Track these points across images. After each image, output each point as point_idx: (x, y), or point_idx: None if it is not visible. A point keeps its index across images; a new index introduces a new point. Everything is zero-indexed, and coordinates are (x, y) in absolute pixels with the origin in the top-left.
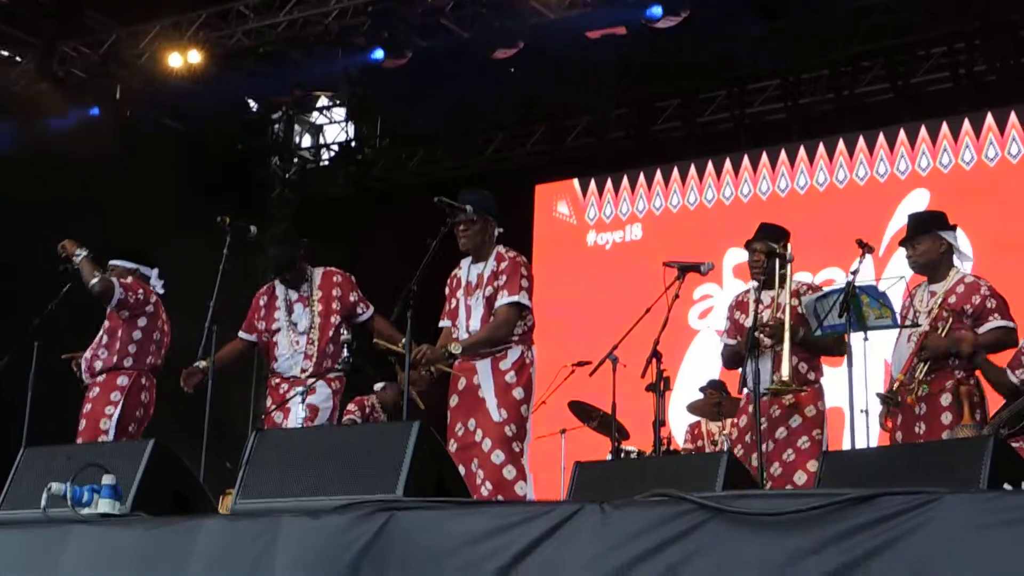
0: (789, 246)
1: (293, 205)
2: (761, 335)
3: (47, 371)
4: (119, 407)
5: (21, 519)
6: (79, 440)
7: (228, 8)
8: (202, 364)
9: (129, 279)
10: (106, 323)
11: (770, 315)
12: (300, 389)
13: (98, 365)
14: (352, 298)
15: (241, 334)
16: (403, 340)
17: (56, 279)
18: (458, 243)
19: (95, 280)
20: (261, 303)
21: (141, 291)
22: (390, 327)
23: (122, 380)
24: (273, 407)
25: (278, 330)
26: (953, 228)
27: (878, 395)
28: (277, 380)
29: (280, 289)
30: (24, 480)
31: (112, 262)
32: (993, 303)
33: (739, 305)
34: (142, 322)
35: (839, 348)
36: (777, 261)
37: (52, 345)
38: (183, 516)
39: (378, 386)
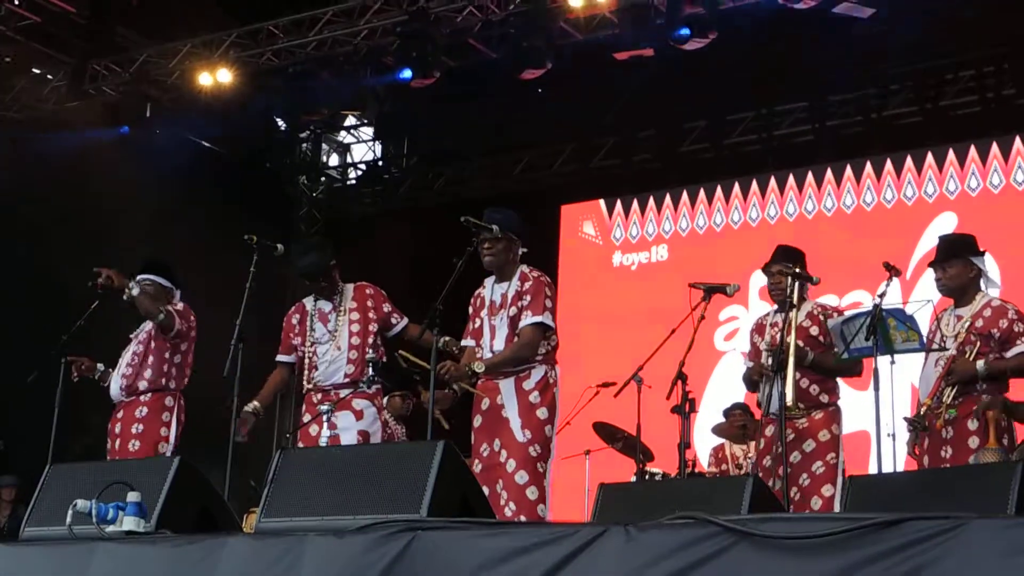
0: (799, 269)
1: (320, 223)
2: (770, 359)
3: (74, 388)
4: (173, 429)
5: (47, 536)
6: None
7: (258, 28)
8: (251, 407)
9: (180, 306)
10: (151, 343)
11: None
12: (326, 407)
13: (141, 384)
14: (386, 309)
15: (280, 358)
16: (431, 355)
17: (85, 295)
18: (482, 262)
19: (161, 315)
20: (294, 321)
21: (192, 317)
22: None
23: (169, 401)
24: (307, 420)
25: (317, 342)
26: (983, 253)
27: (906, 419)
28: (319, 396)
29: (310, 303)
30: (50, 497)
31: (145, 277)
32: (1021, 327)
33: (758, 328)
34: (183, 345)
35: (852, 368)
36: (790, 283)
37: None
38: (207, 534)
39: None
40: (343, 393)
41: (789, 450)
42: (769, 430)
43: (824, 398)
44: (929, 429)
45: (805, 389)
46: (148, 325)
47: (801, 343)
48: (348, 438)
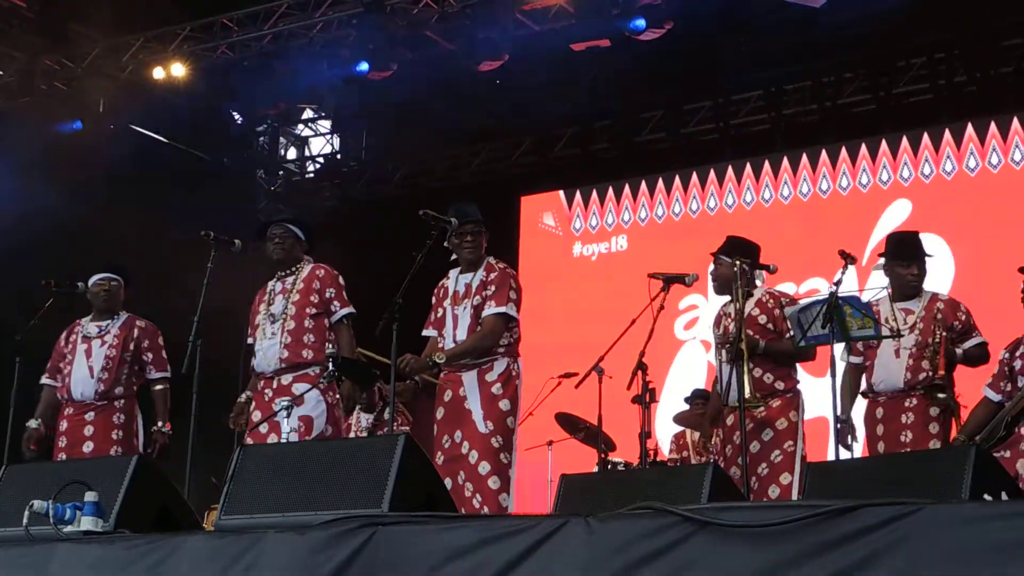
0: (743, 264)
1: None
2: (723, 349)
3: (29, 387)
4: (142, 434)
5: (3, 537)
6: None
7: (212, 21)
8: (244, 397)
9: (159, 338)
10: (124, 348)
11: (730, 328)
12: (285, 403)
13: (118, 390)
14: (328, 294)
15: (250, 340)
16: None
17: (38, 294)
18: (461, 254)
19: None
20: (256, 302)
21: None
22: (350, 342)
23: (136, 408)
24: (258, 422)
25: (261, 323)
26: (895, 257)
27: (927, 389)
28: (261, 384)
29: (270, 284)
30: (6, 498)
31: (109, 278)
32: (971, 320)
33: (716, 320)
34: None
35: (805, 353)
36: (737, 275)
37: (34, 360)
38: (167, 533)
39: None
40: (284, 380)
41: (749, 439)
42: (730, 419)
43: (780, 385)
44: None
45: (759, 378)
46: (115, 327)
47: (751, 332)
48: (288, 425)
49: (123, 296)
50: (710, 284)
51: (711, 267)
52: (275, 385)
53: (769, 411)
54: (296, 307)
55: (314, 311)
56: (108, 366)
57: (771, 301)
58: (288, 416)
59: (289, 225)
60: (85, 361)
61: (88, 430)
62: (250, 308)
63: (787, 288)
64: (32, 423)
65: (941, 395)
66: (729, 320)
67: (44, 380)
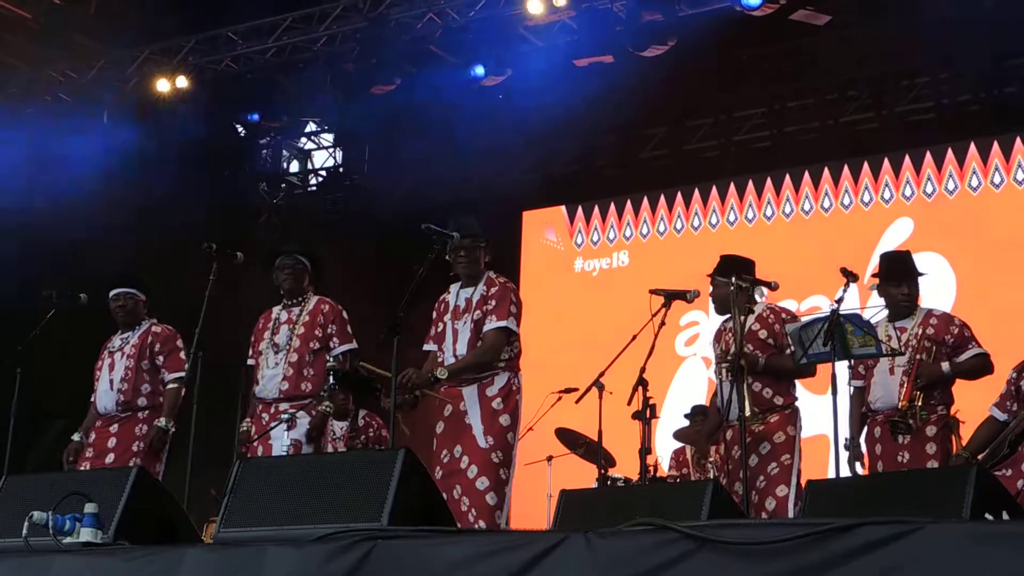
0: (739, 282)
1: (280, 231)
2: (722, 366)
3: (30, 398)
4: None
5: (2, 548)
6: None
7: (217, 34)
8: (246, 425)
9: (176, 341)
10: (142, 358)
11: (731, 344)
12: (283, 417)
13: (140, 401)
14: (330, 329)
15: (250, 361)
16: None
17: (39, 304)
18: (455, 268)
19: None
20: (260, 326)
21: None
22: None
23: (158, 414)
24: (255, 437)
25: (264, 352)
26: (887, 278)
27: (890, 421)
28: (260, 408)
29: (276, 311)
30: (5, 509)
31: (124, 293)
32: (968, 332)
33: (717, 336)
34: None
35: (804, 369)
36: (735, 294)
37: (33, 371)
38: (166, 545)
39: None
40: (282, 407)
41: (747, 453)
42: (729, 435)
43: (778, 400)
44: (914, 429)
45: (759, 392)
46: (134, 338)
47: (751, 347)
48: (279, 448)
49: (143, 308)
50: (711, 301)
51: (710, 288)
52: (272, 410)
53: (767, 425)
54: (300, 340)
55: (317, 345)
56: (127, 376)
57: (771, 316)
58: (287, 431)
59: (299, 256)
60: (108, 375)
61: (111, 442)
62: (253, 328)
63: (788, 305)
64: (75, 436)
65: (903, 425)
66: (730, 335)
67: (92, 399)
